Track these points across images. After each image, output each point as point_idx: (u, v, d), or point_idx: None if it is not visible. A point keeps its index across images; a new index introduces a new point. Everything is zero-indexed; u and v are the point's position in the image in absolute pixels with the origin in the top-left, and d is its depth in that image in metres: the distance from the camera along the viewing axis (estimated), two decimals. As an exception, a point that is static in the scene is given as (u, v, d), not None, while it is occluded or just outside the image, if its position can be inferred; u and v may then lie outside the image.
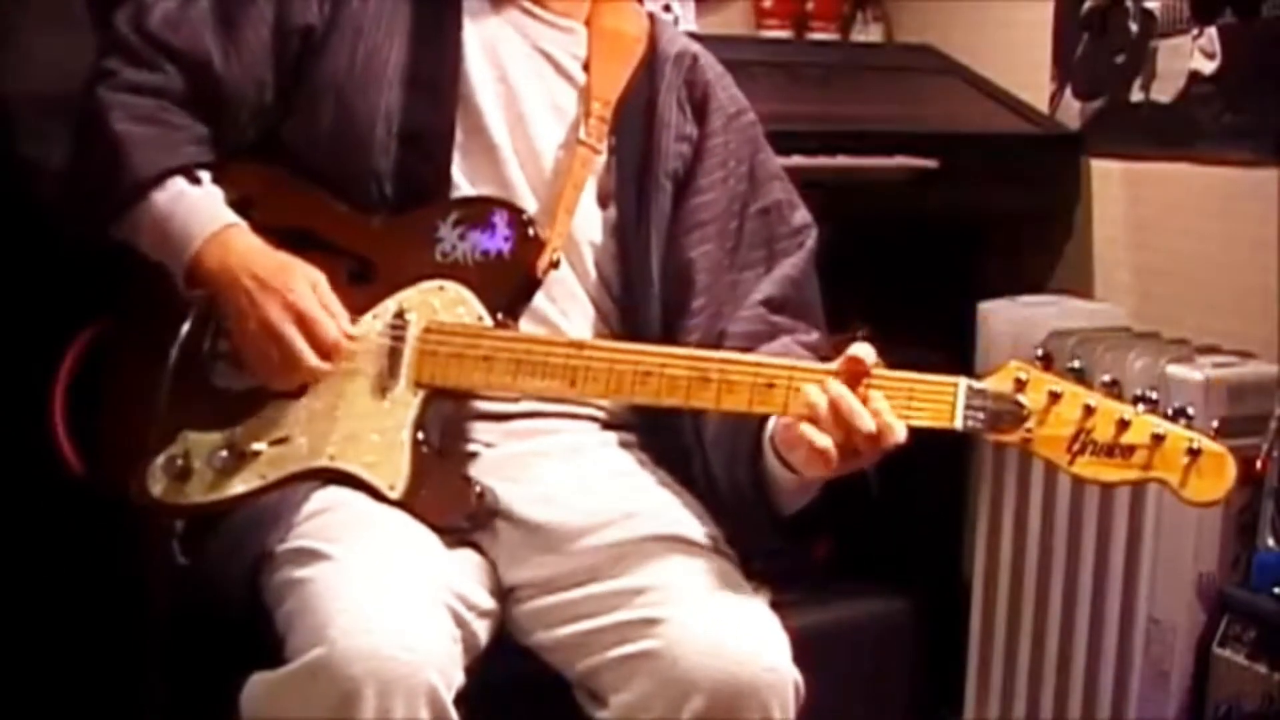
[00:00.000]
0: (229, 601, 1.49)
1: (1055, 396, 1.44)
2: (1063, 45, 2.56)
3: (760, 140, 1.79)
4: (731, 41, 2.59)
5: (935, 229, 2.53)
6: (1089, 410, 1.43)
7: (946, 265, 2.57)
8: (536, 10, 1.72)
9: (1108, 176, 2.50)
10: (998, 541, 2.40)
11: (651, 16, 1.82)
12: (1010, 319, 2.34)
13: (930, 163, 2.38)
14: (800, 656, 1.49)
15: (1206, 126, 2.28)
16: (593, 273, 1.70)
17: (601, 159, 1.70)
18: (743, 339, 1.64)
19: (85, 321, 1.67)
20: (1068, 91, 2.56)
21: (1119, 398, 1.46)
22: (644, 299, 1.69)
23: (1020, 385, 1.45)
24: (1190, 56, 2.31)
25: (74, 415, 1.64)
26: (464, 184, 1.66)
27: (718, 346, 1.61)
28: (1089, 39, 2.51)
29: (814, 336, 1.68)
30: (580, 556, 1.54)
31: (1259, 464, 2.03)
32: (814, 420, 1.43)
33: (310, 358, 1.54)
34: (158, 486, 1.57)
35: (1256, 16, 2.21)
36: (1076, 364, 1.50)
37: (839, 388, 1.44)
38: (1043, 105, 2.60)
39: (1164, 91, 2.36)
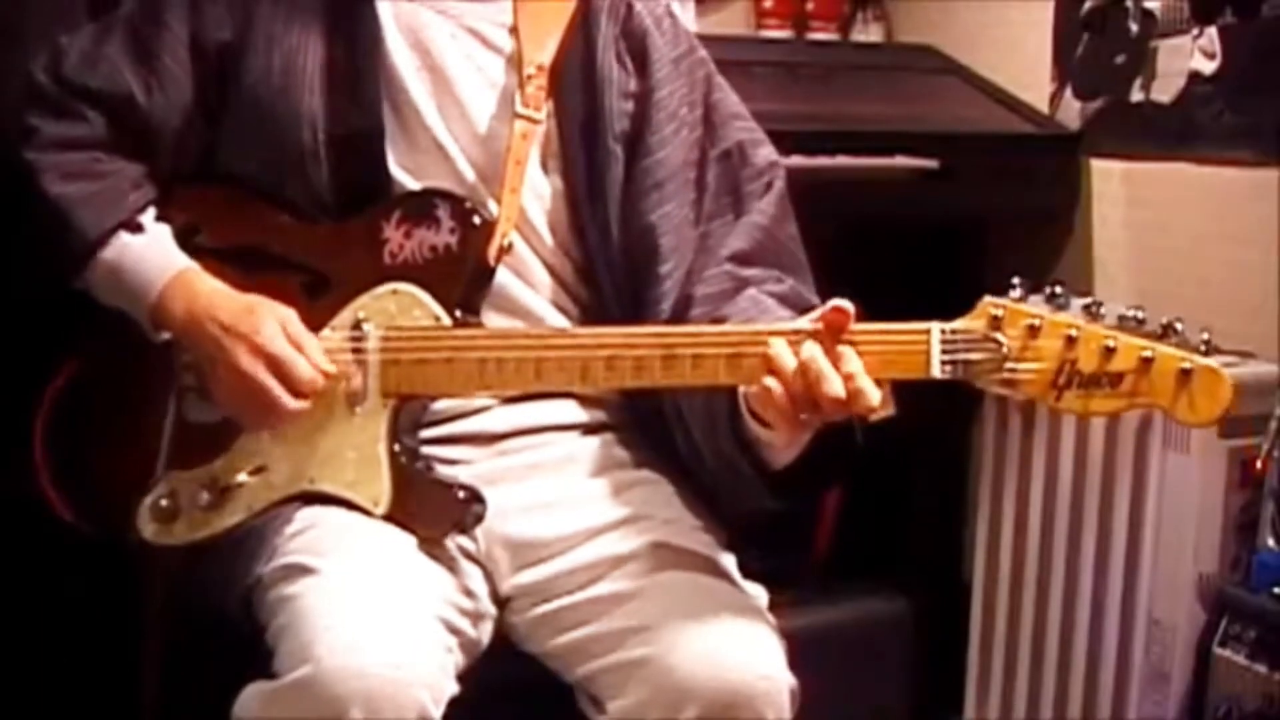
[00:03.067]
0: (224, 619, 1.50)
1: (1034, 330, 1.37)
2: (1063, 45, 2.55)
3: (713, 78, 1.70)
4: (731, 41, 2.59)
5: (935, 229, 2.53)
6: (1071, 340, 1.36)
7: (946, 265, 2.57)
8: None
9: (1108, 176, 2.50)
10: (998, 542, 2.40)
11: None
12: (1010, 319, 2.34)
13: (930, 163, 2.37)
14: (799, 657, 1.48)
15: (1206, 126, 2.28)
16: (551, 246, 1.64)
17: (543, 128, 1.62)
18: (710, 300, 1.58)
19: (64, 351, 1.66)
20: (1068, 91, 2.55)
21: (1101, 319, 1.37)
22: (607, 269, 1.63)
23: (996, 322, 1.38)
24: (1190, 56, 2.30)
25: (57, 443, 1.64)
26: (406, 180, 1.61)
27: (687, 310, 1.57)
28: (1089, 39, 2.51)
29: (786, 285, 1.61)
30: (574, 564, 1.54)
31: (1259, 464, 2.03)
32: (777, 373, 1.37)
33: (287, 401, 1.50)
34: (148, 529, 1.58)
35: (1256, 16, 2.20)
36: (1057, 289, 1.41)
37: (812, 349, 1.37)
38: (1043, 105, 2.59)
39: (1164, 91, 2.36)
